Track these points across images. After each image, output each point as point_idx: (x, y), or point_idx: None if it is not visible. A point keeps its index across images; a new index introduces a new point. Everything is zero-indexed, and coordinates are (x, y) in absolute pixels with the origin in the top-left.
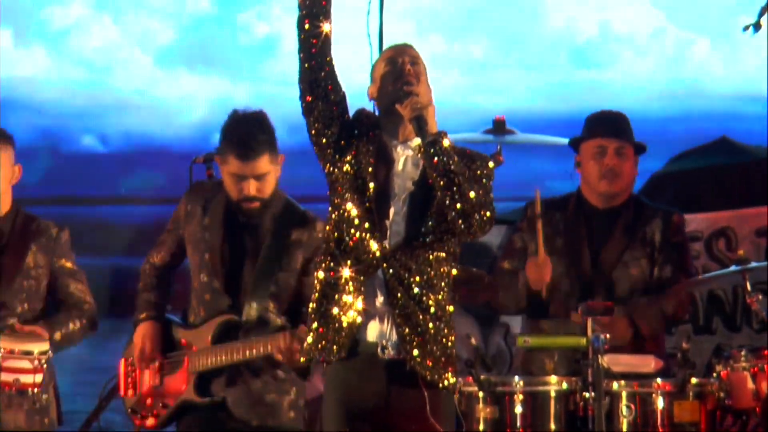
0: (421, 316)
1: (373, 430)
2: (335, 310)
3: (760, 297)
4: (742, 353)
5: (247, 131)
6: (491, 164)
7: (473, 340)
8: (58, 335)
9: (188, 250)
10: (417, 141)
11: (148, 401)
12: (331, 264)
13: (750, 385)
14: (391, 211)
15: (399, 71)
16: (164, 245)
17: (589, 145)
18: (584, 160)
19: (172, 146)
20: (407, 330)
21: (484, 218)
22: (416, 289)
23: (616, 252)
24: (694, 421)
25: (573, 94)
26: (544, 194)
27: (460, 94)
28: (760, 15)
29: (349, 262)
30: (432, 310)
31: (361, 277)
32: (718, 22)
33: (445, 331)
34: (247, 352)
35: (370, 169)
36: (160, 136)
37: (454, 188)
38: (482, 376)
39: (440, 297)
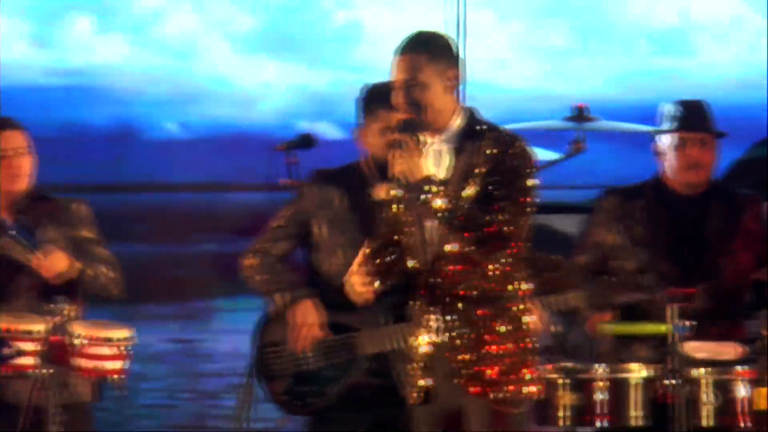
0: None
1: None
2: None
3: None
4: None
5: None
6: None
7: (553, 327)
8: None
9: (326, 234)
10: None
11: (308, 386)
12: None
13: None
14: None
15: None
16: (286, 238)
17: (671, 137)
18: (666, 151)
19: (252, 133)
20: None
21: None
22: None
23: (720, 240)
24: None
25: (653, 82)
26: (621, 182)
27: (539, 81)
28: None
29: None
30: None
31: None
32: None
33: None
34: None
35: None
36: (241, 123)
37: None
38: (563, 364)
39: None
